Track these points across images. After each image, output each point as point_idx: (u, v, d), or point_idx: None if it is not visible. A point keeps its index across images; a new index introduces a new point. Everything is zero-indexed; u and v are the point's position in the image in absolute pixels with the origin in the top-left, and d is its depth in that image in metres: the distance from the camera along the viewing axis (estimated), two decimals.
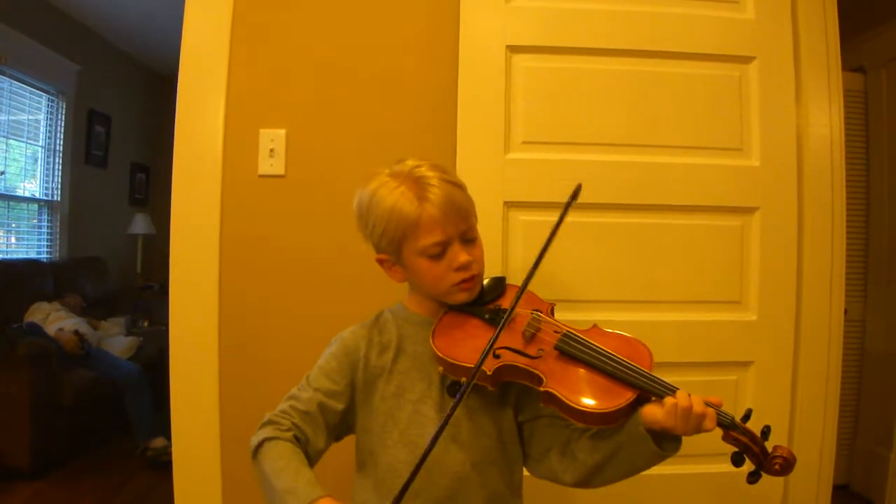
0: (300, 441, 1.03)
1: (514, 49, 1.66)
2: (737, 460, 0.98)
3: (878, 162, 2.83)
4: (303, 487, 0.93)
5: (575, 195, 1.06)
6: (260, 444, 1.01)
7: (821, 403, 1.70)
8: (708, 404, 0.96)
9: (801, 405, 1.69)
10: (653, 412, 0.96)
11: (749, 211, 1.69)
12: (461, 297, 1.09)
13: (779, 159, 1.69)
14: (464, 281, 1.07)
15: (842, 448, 2.43)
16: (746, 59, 1.70)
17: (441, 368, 1.06)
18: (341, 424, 1.11)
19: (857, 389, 2.84)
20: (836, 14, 1.74)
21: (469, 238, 1.08)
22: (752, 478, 0.98)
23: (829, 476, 1.71)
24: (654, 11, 1.68)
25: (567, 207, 1.05)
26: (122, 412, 3.28)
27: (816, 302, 1.70)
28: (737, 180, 1.68)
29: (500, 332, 0.99)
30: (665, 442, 0.97)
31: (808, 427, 1.69)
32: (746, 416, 0.99)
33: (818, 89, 1.72)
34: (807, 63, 1.71)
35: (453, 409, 0.94)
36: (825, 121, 1.72)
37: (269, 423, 1.04)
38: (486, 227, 1.50)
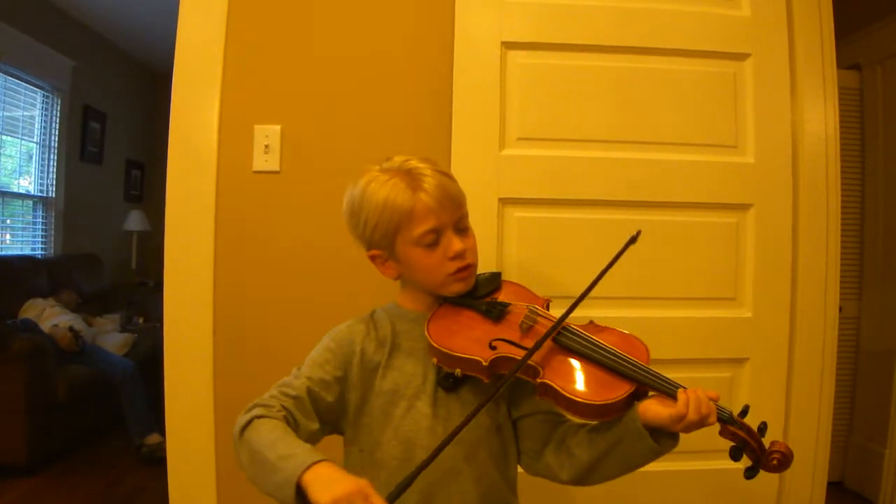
0: (290, 424, 1.00)
1: (509, 45, 1.66)
2: (735, 455, 0.99)
3: (873, 159, 2.84)
4: (301, 453, 0.90)
5: (632, 240, 1.10)
6: (248, 423, 0.97)
7: (815, 400, 1.71)
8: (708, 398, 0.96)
9: (795, 402, 1.70)
10: (656, 411, 0.95)
11: (744, 208, 1.69)
12: (457, 287, 1.09)
13: (774, 156, 1.69)
14: (459, 270, 1.07)
15: (836, 444, 2.44)
16: (741, 56, 1.70)
17: (435, 359, 1.06)
18: (329, 416, 1.08)
19: (851, 386, 2.85)
20: (832, 11, 1.74)
21: (462, 227, 1.09)
22: (750, 473, 0.99)
23: (823, 472, 1.71)
24: (650, 8, 1.68)
25: (623, 250, 1.10)
26: (117, 408, 3.28)
27: (811, 299, 1.71)
28: (732, 177, 1.68)
29: (547, 336, 1.01)
30: (662, 438, 0.97)
31: (803, 423, 1.69)
32: (744, 412, 1.00)
33: (813, 86, 1.72)
34: (802, 60, 1.71)
35: (490, 398, 0.97)
36: (820, 117, 1.72)
37: (258, 405, 1.00)
38: (481, 224, 1.49)
